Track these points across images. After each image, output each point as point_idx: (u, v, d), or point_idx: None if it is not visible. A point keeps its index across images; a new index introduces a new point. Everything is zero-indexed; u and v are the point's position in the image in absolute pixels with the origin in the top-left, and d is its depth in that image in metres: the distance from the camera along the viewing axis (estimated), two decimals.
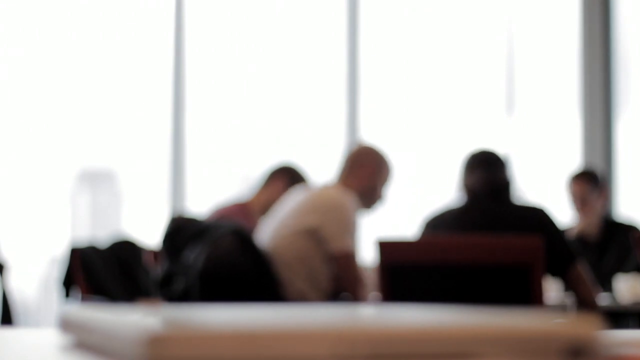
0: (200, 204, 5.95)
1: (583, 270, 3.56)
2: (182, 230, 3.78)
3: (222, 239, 3.69)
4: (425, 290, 3.25)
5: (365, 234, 5.03)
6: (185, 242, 3.75)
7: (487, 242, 3.22)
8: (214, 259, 3.66)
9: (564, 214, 5.50)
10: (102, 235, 5.05)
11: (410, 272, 3.26)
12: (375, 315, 0.62)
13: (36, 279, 6.49)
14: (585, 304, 3.57)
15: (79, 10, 6.52)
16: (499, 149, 3.76)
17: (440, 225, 3.60)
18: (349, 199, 3.87)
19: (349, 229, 3.83)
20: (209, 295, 3.63)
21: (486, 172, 3.61)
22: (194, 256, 3.69)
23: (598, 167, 6.54)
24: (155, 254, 4.12)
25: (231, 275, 3.69)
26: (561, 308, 4.05)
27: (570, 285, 3.56)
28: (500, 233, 3.43)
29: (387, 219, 5.06)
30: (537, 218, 3.50)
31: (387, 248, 3.27)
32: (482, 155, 3.68)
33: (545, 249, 3.31)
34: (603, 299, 4.51)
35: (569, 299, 3.82)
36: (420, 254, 3.23)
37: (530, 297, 3.14)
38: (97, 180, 6.69)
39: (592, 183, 5.21)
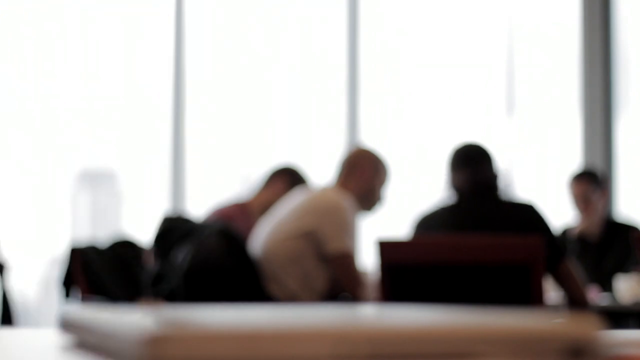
0: (200, 204, 5.95)
1: (572, 266, 3.55)
2: (172, 230, 3.79)
3: (207, 239, 3.70)
4: (425, 290, 3.25)
5: (365, 235, 5.03)
6: (175, 242, 3.77)
7: (487, 241, 3.22)
8: (199, 258, 3.67)
9: (564, 214, 5.50)
10: (102, 235, 5.05)
11: (410, 272, 3.26)
12: (375, 315, 0.62)
13: (36, 279, 6.49)
14: (575, 300, 3.57)
15: (79, 11, 6.52)
16: (485, 144, 3.75)
17: (430, 225, 3.61)
18: (346, 200, 3.87)
19: (346, 230, 3.84)
20: (194, 295, 3.64)
21: (471, 170, 3.61)
22: (182, 256, 3.70)
23: (598, 167, 6.54)
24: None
25: (216, 275, 3.70)
26: (561, 308, 4.05)
27: (559, 281, 3.56)
28: (488, 232, 3.43)
29: (388, 220, 5.07)
30: (525, 215, 3.50)
31: (387, 248, 3.27)
32: (466, 152, 3.67)
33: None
34: (603, 299, 4.51)
35: (559, 297, 3.81)
36: (420, 254, 3.23)
37: (530, 297, 3.14)
38: (97, 180, 6.69)
39: (594, 183, 5.21)
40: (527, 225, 3.44)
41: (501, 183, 3.64)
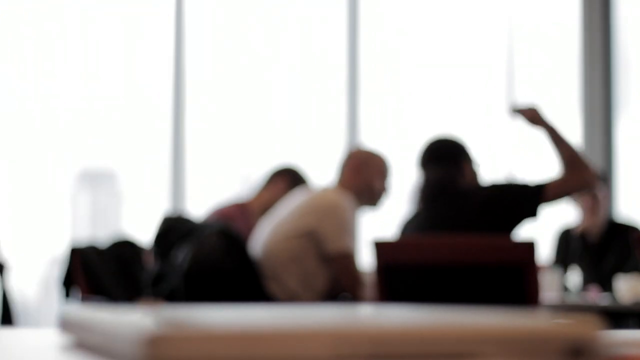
0: (200, 204, 5.95)
1: (551, 180, 3.53)
2: (172, 230, 3.79)
3: (207, 239, 3.70)
4: (420, 291, 3.25)
5: (365, 235, 5.02)
6: (175, 242, 3.77)
7: (483, 242, 3.23)
8: (198, 258, 3.67)
9: (565, 214, 5.50)
10: (102, 235, 5.05)
11: (405, 272, 3.26)
12: (375, 315, 0.62)
13: (36, 279, 6.49)
14: (575, 176, 3.57)
15: (79, 11, 6.52)
16: (455, 138, 3.78)
17: (409, 229, 3.64)
18: (346, 200, 3.88)
19: (346, 229, 3.84)
20: (194, 295, 3.64)
21: (434, 169, 3.64)
22: (182, 256, 3.70)
23: (598, 167, 6.54)
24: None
25: (216, 275, 3.70)
26: (559, 308, 4.05)
27: (561, 192, 3.53)
28: (460, 227, 3.46)
29: (388, 221, 5.07)
30: (485, 190, 3.53)
31: (383, 248, 3.27)
32: (430, 151, 3.71)
33: (516, 200, 3.36)
34: (603, 299, 4.51)
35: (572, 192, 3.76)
36: (416, 254, 3.23)
37: (526, 298, 3.14)
38: (97, 180, 6.69)
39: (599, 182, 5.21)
40: (490, 197, 3.48)
41: (471, 174, 3.64)
